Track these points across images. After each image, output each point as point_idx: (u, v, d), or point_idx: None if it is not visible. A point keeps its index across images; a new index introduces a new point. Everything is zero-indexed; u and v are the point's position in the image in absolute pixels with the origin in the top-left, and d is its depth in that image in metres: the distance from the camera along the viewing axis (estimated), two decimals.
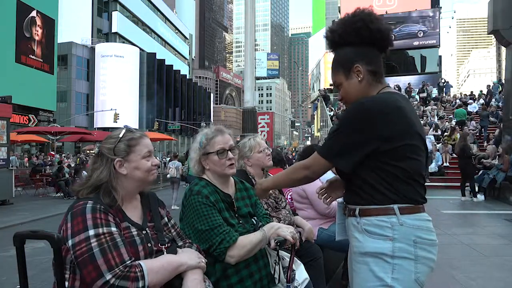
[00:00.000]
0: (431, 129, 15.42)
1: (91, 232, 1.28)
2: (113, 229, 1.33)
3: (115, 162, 1.45)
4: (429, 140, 12.45)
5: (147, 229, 1.48)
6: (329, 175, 3.43)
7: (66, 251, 1.31)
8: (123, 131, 1.51)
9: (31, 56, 25.63)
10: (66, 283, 1.33)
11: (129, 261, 1.29)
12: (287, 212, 2.60)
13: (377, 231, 1.34)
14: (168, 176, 10.30)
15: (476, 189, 9.27)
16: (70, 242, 1.28)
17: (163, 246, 1.47)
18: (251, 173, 2.56)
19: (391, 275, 1.30)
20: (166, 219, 1.62)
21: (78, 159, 20.62)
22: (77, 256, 1.26)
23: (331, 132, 1.43)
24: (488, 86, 19.62)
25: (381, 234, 1.33)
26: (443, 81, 24.25)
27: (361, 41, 1.44)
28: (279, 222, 2.29)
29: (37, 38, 26.18)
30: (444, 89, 22.92)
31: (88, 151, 30.32)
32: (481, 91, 20.76)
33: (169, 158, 21.69)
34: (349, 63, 1.45)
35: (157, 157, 1.64)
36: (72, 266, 1.32)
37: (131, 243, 1.36)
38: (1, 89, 22.57)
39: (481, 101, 18.99)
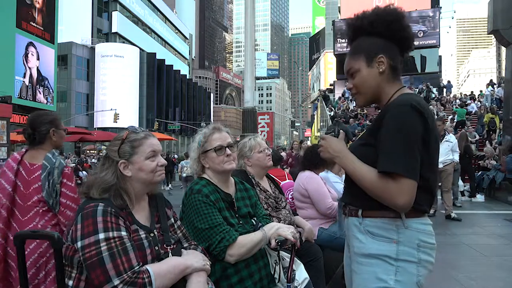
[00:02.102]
0: None
1: (101, 236, 1.28)
2: (123, 233, 1.33)
3: (119, 164, 1.44)
4: None
5: (154, 231, 1.48)
6: (334, 178, 3.44)
7: (74, 251, 1.32)
8: (127, 132, 1.51)
9: (32, 23, 25.72)
10: (71, 282, 1.34)
11: (137, 267, 1.29)
12: (287, 212, 2.60)
13: (381, 233, 1.33)
14: (184, 175, 11.20)
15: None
16: (79, 244, 1.28)
17: (169, 247, 1.47)
18: (251, 173, 2.56)
19: (394, 277, 1.30)
20: (172, 219, 1.61)
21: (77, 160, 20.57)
22: (86, 258, 1.26)
23: (392, 140, 1.28)
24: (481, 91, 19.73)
25: (385, 236, 1.32)
26: (446, 82, 24.28)
27: (389, 35, 1.41)
28: (279, 222, 2.29)
29: (37, 6, 26.33)
30: (446, 89, 22.93)
31: (88, 151, 30.32)
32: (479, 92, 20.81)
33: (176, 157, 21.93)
34: (373, 52, 1.41)
35: None
36: (79, 266, 1.32)
37: (139, 246, 1.37)
38: (3, 58, 22.62)
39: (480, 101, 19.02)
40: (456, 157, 6.94)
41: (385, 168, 1.26)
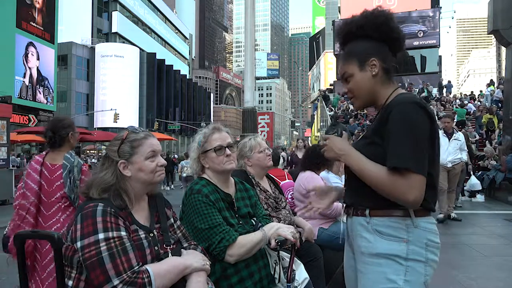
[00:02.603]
0: None
1: (101, 236, 1.27)
2: (123, 233, 1.33)
3: (119, 164, 1.44)
4: None
5: (154, 231, 1.48)
6: (334, 179, 3.44)
7: (73, 251, 1.31)
8: (127, 132, 1.50)
9: (32, 23, 25.76)
10: (71, 282, 1.34)
11: (137, 267, 1.29)
12: (287, 212, 2.60)
13: (390, 232, 1.32)
14: (184, 175, 11.15)
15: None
16: (79, 244, 1.28)
17: (168, 247, 1.47)
18: (251, 173, 2.56)
19: (404, 277, 1.29)
20: (172, 220, 1.61)
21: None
22: (85, 258, 1.26)
23: (400, 137, 1.27)
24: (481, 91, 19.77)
25: (395, 235, 1.31)
26: (446, 81, 24.28)
27: (378, 37, 1.42)
28: (279, 222, 2.29)
29: (37, 6, 26.38)
30: (446, 88, 22.92)
31: (88, 151, 30.33)
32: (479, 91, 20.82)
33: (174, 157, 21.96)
34: (365, 55, 1.42)
35: None
36: (79, 266, 1.32)
37: (139, 246, 1.36)
38: (3, 58, 22.58)
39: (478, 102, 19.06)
40: (465, 156, 6.67)
41: (395, 164, 1.26)
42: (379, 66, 1.41)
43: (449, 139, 6.45)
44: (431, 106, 18.65)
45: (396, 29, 1.42)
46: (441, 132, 6.41)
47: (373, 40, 1.42)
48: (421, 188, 1.26)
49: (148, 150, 1.48)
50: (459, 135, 6.68)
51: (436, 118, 1.36)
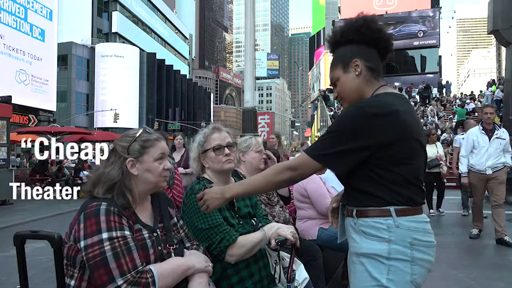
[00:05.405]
0: None
1: (105, 235, 1.27)
2: (127, 232, 1.32)
3: (127, 161, 1.43)
4: None
5: (157, 230, 1.47)
6: (332, 176, 3.44)
7: (76, 251, 1.31)
8: (140, 131, 1.50)
9: None
10: (73, 282, 1.33)
11: (141, 267, 1.29)
12: (281, 209, 2.59)
13: (373, 233, 1.34)
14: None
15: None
16: (82, 243, 1.28)
17: (171, 247, 1.46)
18: (243, 172, 2.53)
19: (386, 276, 1.31)
20: (175, 219, 1.61)
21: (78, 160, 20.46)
22: (89, 258, 1.26)
23: (325, 133, 1.41)
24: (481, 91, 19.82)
25: (377, 235, 1.34)
26: (445, 81, 24.34)
27: (361, 39, 1.46)
28: (273, 219, 2.29)
29: None
30: (445, 88, 22.97)
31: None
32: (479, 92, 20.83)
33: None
34: (348, 58, 1.47)
35: None
36: (82, 266, 1.31)
37: (142, 246, 1.36)
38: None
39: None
40: (509, 160, 5.17)
41: (305, 151, 1.40)
42: (362, 65, 1.45)
43: (489, 138, 5.09)
44: (430, 107, 18.70)
45: (377, 30, 1.45)
46: (479, 129, 5.19)
47: (356, 43, 1.47)
48: (305, 165, 1.37)
49: (158, 152, 1.48)
50: (503, 132, 5.19)
51: (401, 122, 1.33)
